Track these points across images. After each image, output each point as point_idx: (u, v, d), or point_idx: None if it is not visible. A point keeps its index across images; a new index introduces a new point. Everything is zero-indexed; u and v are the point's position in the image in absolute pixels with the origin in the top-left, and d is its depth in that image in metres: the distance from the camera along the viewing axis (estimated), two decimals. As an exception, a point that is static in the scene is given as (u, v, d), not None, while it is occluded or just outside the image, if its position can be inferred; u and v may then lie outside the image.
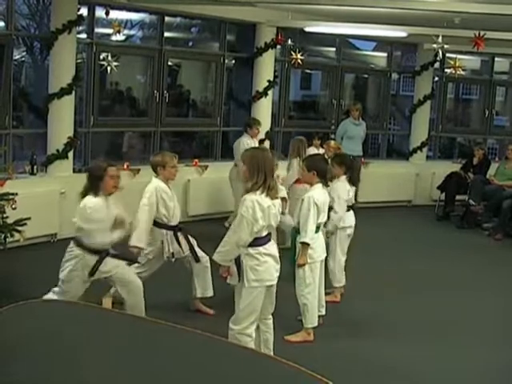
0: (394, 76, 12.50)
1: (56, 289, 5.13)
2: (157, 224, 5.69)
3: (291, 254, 5.46)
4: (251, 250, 4.50)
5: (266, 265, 4.53)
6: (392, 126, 12.83)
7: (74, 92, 8.06)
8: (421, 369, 5.08)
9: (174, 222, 5.77)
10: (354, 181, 6.61)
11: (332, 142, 8.52)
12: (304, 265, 5.34)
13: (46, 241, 7.86)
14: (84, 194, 4.95)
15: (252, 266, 4.49)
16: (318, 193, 5.39)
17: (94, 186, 4.93)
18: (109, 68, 8.38)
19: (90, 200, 4.89)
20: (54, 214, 7.84)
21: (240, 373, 2.44)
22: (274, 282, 4.64)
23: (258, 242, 4.51)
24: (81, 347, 2.58)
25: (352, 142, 10.44)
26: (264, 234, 4.54)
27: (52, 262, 7.20)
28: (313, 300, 5.45)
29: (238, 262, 4.53)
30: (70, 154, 8.22)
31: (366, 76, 13.10)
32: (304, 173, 5.52)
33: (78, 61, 8.30)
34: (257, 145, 8.61)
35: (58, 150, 8.08)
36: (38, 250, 7.46)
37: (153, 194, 5.59)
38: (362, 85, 13.29)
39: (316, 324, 5.50)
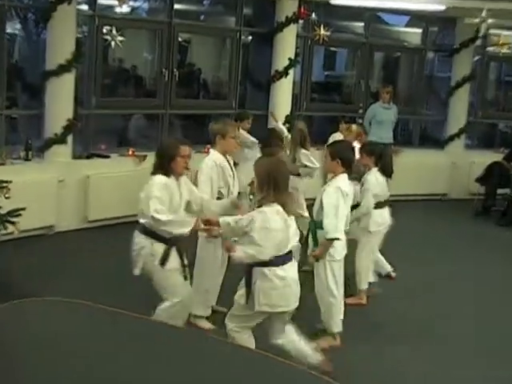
0: (429, 55, 12.40)
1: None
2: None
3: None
4: (266, 271, 4.41)
5: (282, 290, 4.45)
6: (426, 111, 12.73)
7: (73, 69, 8.04)
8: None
9: None
10: (387, 172, 6.57)
11: (354, 126, 8.41)
12: (318, 258, 5.33)
13: (42, 234, 7.86)
14: (154, 174, 4.98)
15: (265, 290, 4.42)
16: (344, 184, 5.35)
17: (163, 167, 4.96)
18: (113, 43, 8.39)
19: (159, 178, 4.92)
20: (51, 204, 7.85)
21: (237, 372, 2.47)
22: (290, 309, 4.57)
23: (275, 260, 4.41)
24: (81, 348, 2.60)
25: (382, 127, 10.39)
26: (283, 251, 4.45)
27: (48, 256, 7.28)
28: (336, 302, 5.42)
29: (248, 281, 4.46)
30: (70, 139, 8.20)
31: (397, 55, 13.00)
32: (327, 161, 5.48)
33: (79, 35, 8.29)
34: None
35: (56, 134, 8.06)
36: (33, 244, 7.46)
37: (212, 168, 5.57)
38: (392, 64, 13.20)
39: (341, 328, 5.47)
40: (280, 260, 4.43)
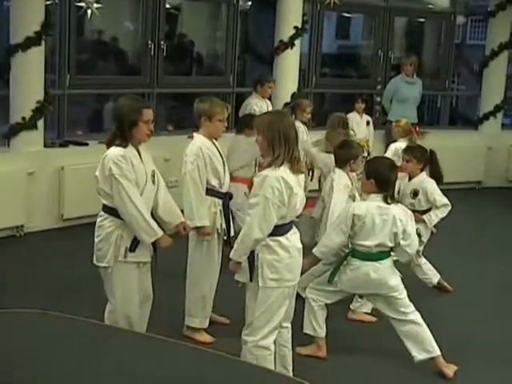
0: (460, 19, 12.36)
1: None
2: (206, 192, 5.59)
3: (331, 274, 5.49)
4: (270, 241, 4.53)
5: (288, 260, 4.58)
6: (456, 86, 12.70)
7: (43, 43, 8.02)
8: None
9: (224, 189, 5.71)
10: (439, 178, 6.82)
11: (403, 121, 8.25)
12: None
13: (10, 234, 7.89)
14: (110, 144, 4.79)
15: (269, 262, 4.54)
16: (367, 205, 5.35)
17: (123, 134, 4.76)
18: (89, 11, 8.35)
19: (116, 150, 4.73)
20: (19, 200, 7.86)
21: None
22: (296, 282, 4.73)
23: (279, 230, 4.54)
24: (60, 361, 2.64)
25: (404, 105, 10.42)
26: (288, 220, 4.59)
27: (18, 261, 7.26)
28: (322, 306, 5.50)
29: (250, 255, 4.56)
30: (40, 124, 8.21)
31: (422, 20, 12.97)
32: (363, 179, 5.55)
33: (48, 2, 8.25)
34: (269, 106, 8.62)
35: (24, 119, 8.05)
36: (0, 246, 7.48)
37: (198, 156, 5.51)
38: (416, 32, 13.17)
39: (323, 335, 5.51)
40: (284, 229, 4.57)
